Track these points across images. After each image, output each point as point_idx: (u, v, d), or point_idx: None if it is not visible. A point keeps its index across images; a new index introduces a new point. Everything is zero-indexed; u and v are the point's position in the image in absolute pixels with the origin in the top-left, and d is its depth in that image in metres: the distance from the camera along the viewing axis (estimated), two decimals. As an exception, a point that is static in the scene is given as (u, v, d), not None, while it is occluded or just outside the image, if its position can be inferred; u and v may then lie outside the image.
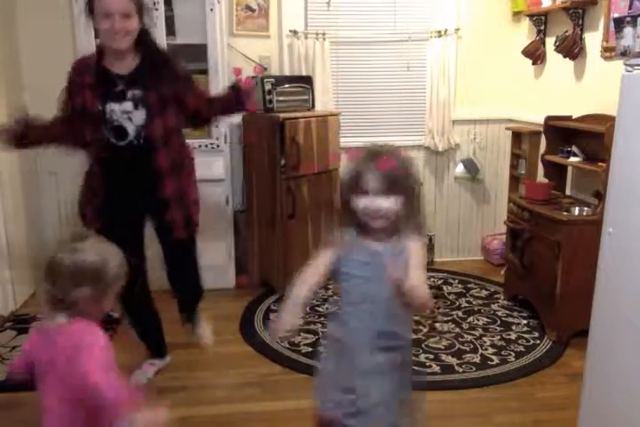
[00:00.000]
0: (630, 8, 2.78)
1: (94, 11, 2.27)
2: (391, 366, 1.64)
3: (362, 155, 1.61)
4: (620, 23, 2.24)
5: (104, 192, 2.45)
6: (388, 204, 1.56)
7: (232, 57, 3.74)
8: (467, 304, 3.50)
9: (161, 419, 1.39)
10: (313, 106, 3.78)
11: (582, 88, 3.41)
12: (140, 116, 2.36)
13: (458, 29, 4.02)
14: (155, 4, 3.39)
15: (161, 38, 3.43)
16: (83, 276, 1.47)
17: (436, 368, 2.76)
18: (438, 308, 3.40)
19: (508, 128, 4.00)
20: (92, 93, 2.35)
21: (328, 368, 1.73)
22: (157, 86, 2.37)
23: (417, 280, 1.49)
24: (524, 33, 3.99)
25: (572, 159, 3.24)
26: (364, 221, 1.61)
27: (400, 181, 1.57)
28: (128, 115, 2.36)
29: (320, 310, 3.44)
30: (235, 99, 2.55)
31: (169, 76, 2.40)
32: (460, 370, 2.75)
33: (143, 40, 2.39)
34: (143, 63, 2.39)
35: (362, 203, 1.58)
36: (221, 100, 2.60)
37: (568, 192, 3.51)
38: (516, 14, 4.01)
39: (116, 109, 2.35)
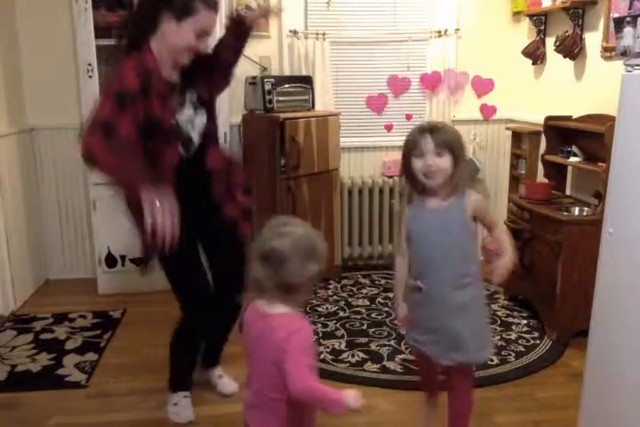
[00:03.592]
0: (630, 8, 2.79)
1: (188, 18, 1.98)
2: (469, 301, 1.94)
3: (417, 128, 1.91)
4: (619, 23, 2.23)
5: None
6: (440, 162, 1.84)
7: (232, 57, 3.73)
8: (467, 304, 3.50)
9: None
10: (313, 106, 3.78)
11: (582, 88, 3.41)
12: (200, 120, 2.19)
13: (458, 29, 4.02)
14: (154, 4, 3.38)
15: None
16: (308, 253, 1.47)
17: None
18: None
19: (507, 128, 4.00)
20: (163, 104, 2.04)
21: (414, 313, 2.01)
22: (204, 81, 2.19)
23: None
24: (523, 33, 4.00)
25: (572, 159, 3.24)
26: (422, 180, 1.87)
27: (450, 143, 1.85)
28: (191, 122, 2.17)
29: (320, 310, 3.44)
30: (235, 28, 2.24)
31: (204, 67, 2.18)
32: (460, 370, 2.75)
33: None
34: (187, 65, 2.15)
35: (419, 163, 1.85)
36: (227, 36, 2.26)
37: (568, 192, 3.51)
38: (516, 14, 4.02)
39: (183, 119, 2.14)
